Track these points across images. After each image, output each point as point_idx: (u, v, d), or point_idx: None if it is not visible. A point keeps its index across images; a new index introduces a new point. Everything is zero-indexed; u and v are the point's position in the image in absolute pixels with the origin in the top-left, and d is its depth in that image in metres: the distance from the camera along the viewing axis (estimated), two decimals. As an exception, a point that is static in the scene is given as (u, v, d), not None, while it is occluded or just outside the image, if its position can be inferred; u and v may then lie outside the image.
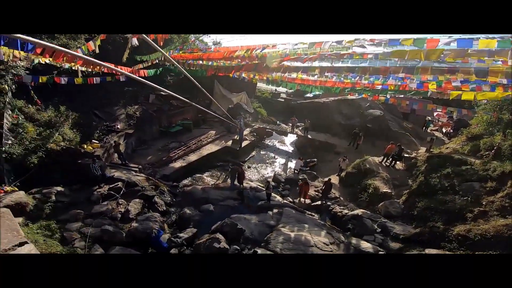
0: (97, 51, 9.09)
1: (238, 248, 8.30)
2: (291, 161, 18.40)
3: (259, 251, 7.98)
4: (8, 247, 4.89)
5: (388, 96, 15.51)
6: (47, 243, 6.49)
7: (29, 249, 5.16)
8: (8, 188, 8.42)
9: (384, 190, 12.49)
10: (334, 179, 14.11)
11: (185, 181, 13.77)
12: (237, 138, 17.83)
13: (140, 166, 13.25)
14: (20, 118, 10.36)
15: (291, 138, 22.71)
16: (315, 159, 17.72)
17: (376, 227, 10.09)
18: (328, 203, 12.47)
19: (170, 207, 11.14)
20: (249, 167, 16.94)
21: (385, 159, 14.92)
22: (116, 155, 13.32)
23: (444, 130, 24.02)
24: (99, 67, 10.84)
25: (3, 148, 8.99)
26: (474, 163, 11.19)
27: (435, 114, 26.02)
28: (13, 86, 10.49)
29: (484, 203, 9.19)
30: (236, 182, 12.87)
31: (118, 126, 14.84)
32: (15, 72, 10.51)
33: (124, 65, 12.02)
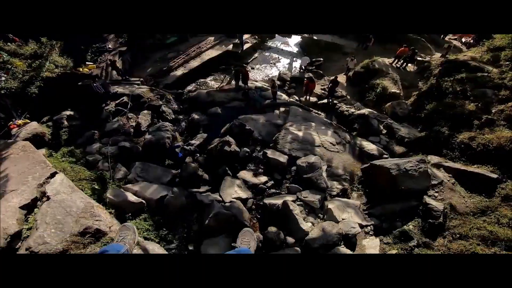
0: None
1: (248, 150, 8.66)
2: (296, 61, 17.48)
3: (269, 152, 8.40)
4: (42, 181, 4.82)
5: None
6: (75, 170, 6.79)
7: (61, 178, 5.10)
8: (19, 122, 8.58)
9: (393, 90, 12.09)
10: (341, 78, 13.59)
11: (189, 87, 13.57)
12: (238, 42, 16.81)
13: (142, 79, 12.94)
14: (5, 56, 10.11)
15: (295, 39, 20.96)
16: (321, 58, 16.73)
17: (382, 128, 10.08)
18: (335, 101, 12.32)
19: (178, 114, 11.31)
20: (252, 68, 16.29)
21: (396, 60, 14.24)
22: (114, 72, 12.92)
23: (463, 39, 22.45)
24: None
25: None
26: (491, 71, 10.26)
27: None
28: None
29: (493, 111, 8.75)
30: (240, 83, 12.58)
31: (109, 46, 14.29)
32: None
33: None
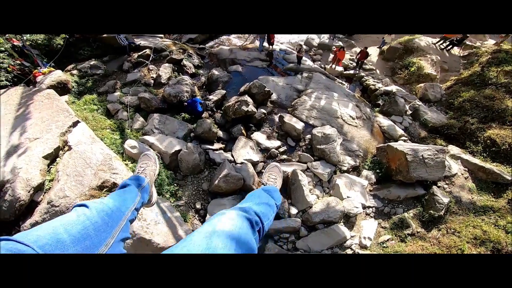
0: None
1: (265, 112, 8.55)
2: None
3: (286, 116, 8.26)
4: (64, 130, 4.95)
5: None
6: (96, 119, 6.91)
7: (82, 128, 5.23)
8: (45, 70, 8.66)
9: (429, 72, 11.32)
10: (373, 51, 12.74)
11: (212, 43, 13.25)
12: None
13: (164, 31, 12.67)
14: None
15: None
16: None
17: (407, 108, 9.55)
18: (362, 73, 11.69)
19: (198, 69, 11.19)
20: (279, 28, 15.44)
21: (442, 41, 13.06)
22: (139, 24, 12.63)
23: None
24: None
25: (25, 38, 8.97)
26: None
27: None
28: None
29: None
30: (265, 43, 12.12)
31: None
32: None
33: None
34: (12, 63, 8.42)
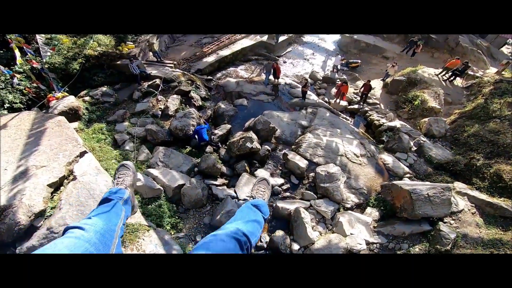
0: None
1: (269, 149, 8.65)
2: (331, 59, 16.74)
3: (290, 154, 8.32)
4: (71, 159, 5.03)
5: None
6: (103, 150, 7.07)
7: (89, 159, 5.30)
8: (59, 95, 9.01)
9: (432, 105, 11.28)
10: (377, 84, 12.92)
11: (219, 74, 13.66)
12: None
13: (175, 62, 13.23)
14: None
15: (333, 36, 20.22)
16: (359, 60, 15.95)
17: (412, 144, 9.53)
18: (366, 108, 11.83)
19: (205, 101, 11.45)
20: (284, 62, 15.99)
21: (444, 72, 13.04)
22: (151, 53, 13.25)
23: None
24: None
25: (44, 60, 9.34)
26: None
27: None
28: None
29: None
30: (271, 77, 12.44)
31: None
32: None
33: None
34: (29, 86, 8.76)
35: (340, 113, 11.36)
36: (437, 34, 17.12)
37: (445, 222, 6.65)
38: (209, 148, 8.76)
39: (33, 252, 0.90)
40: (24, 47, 8.61)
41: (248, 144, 8.28)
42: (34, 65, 8.86)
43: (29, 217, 3.99)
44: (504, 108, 9.68)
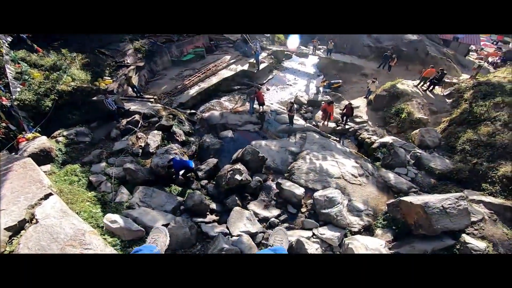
0: None
1: (261, 180, 8.07)
2: (313, 83, 17.12)
3: (283, 182, 7.73)
4: (34, 202, 4.74)
5: None
6: (72, 191, 6.41)
7: (54, 201, 4.98)
8: (29, 136, 8.29)
9: (419, 116, 11.30)
10: (361, 102, 12.94)
11: (202, 107, 13.30)
12: (254, 61, 16.65)
13: (156, 97, 12.87)
14: (24, 66, 10.02)
15: (312, 60, 21.08)
16: (340, 80, 16.32)
17: (409, 158, 9.22)
18: (355, 127, 11.61)
19: (189, 136, 10.88)
20: (268, 90, 16.05)
21: (422, 83, 13.36)
22: (130, 88, 12.86)
23: (490, 59, 23.22)
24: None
25: (14, 97, 8.74)
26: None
27: (481, 43, 26.35)
28: (8, 39, 10.65)
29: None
30: (255, 105, 12.15)
31: (128, 61, 14.27)
32: None
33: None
34: (-3, 126, 7.98)
35: (329, 135, 11.01)
36: (407, 47, 18.25)
37: (468, 234, 6.15)
38: (195, 185, 8.03)
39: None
40: None
41: (237, 177, 7.66)
42: (4, 102, 8.21)
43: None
44: (490, 110, 9.61)
